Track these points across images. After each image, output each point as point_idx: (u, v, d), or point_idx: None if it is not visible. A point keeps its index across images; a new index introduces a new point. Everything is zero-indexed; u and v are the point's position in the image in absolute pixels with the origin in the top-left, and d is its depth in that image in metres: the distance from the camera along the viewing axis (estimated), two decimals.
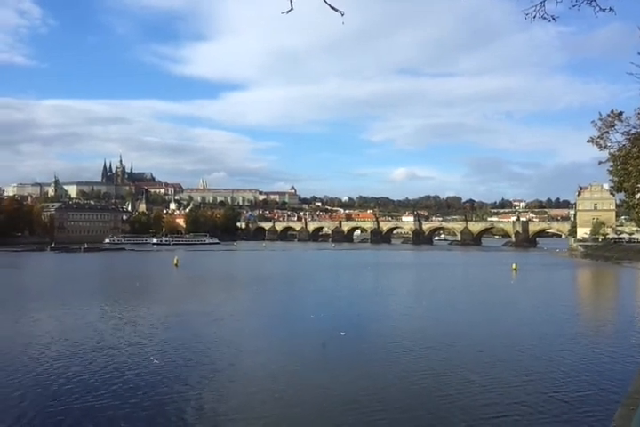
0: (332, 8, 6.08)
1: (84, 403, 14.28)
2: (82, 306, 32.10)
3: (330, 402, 14.62)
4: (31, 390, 15.38)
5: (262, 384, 16.26)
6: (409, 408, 14.29)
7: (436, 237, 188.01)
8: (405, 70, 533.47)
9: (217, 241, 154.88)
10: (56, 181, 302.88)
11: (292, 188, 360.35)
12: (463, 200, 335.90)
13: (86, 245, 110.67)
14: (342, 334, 22.83)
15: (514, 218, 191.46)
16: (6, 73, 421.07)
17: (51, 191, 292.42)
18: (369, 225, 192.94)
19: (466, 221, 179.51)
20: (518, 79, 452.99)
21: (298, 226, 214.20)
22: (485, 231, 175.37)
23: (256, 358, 19.31)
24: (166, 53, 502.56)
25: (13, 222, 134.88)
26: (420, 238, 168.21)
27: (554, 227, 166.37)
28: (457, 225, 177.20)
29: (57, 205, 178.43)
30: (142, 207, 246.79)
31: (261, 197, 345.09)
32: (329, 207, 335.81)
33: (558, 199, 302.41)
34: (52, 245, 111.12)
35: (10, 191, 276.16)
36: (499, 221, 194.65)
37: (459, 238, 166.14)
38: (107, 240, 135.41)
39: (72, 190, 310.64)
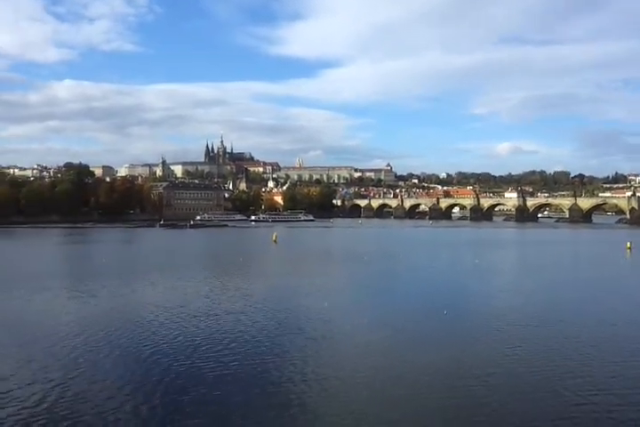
0: None
1: (200, 362, 15.40)
2: (194, 277, 34.13)
3: (430, 381, 14.53)
4: (155, 350, 16.76)
5: (361, 358, 16.47)
6: (517, 390, 13.96)
7: (540, 215, 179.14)
8: (510, 39, 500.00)
9: (312, 218, 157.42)
10: (163, 162, 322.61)
11: (388, 165, 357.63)
12: (572, 175, 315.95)
13: (192, 222, 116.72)
14: (445, 312, 22.46)
15: (629, 193, 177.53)
16: (118, 60, 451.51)
17: (159, 171, 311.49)
18: (468, 202, 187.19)
19: (575, 196, 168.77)
20: (638, 43, 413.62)
21: (394, 203, 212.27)
22: (596, 208, 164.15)
23: (356, 332, 19.58)
24: (263, 34, 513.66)
25: (126, 201, 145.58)
26: (524, 216, 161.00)
27: None
28: (565, 201, 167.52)
29: (164, 184, 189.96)
30: (242, 186, 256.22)
31: (357, 175, 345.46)
32: (426, 184, 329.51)
33: None
34: (161, 222, 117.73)
35: (122, 172, 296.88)
36: (611, 197, 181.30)
37: (566, 215, 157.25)
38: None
39: (178, 170, 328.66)
